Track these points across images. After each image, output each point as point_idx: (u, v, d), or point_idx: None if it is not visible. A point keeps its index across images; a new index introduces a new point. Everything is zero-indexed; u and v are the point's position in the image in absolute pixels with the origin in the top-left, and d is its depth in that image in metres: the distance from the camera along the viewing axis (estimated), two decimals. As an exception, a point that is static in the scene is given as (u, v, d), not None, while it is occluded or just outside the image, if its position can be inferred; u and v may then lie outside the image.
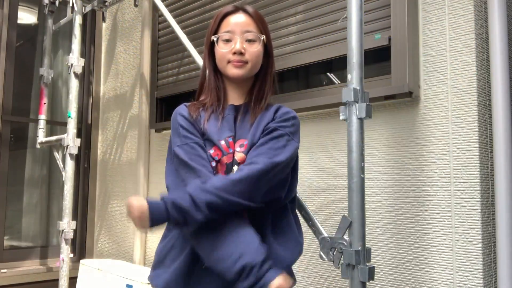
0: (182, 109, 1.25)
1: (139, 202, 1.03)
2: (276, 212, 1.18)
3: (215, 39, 1.23)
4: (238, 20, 1.22)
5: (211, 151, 1.17)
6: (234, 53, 1.19)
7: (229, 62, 1.20)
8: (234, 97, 1.26)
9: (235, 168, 1.15)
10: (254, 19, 1.23)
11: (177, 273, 1.15)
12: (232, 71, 1.20)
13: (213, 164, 1.16)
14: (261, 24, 1.24)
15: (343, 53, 1.80)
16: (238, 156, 1.16)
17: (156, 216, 1.04)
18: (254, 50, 1.21)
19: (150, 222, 1.03)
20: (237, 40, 1.19)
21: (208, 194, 1.04)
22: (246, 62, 1.20)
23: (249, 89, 1.27)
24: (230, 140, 1.18)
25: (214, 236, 1.07)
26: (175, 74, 2.64)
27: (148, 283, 1.25)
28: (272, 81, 1.29)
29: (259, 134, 1.18)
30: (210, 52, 1.26)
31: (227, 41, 1.21)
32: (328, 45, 1.91)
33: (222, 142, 1.17)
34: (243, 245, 1.05)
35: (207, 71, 1.27)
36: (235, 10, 1.24)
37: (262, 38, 1.23)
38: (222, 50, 1.21)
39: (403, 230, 1.65)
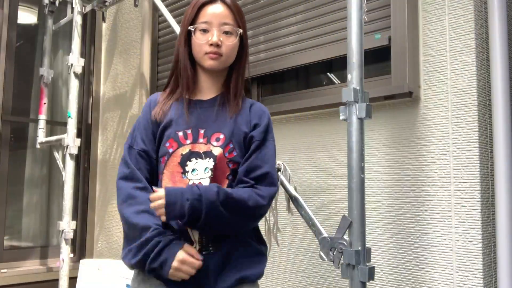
0: (153, 99, 1.29)
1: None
2: None
3: (192, 29, 1.23)
4: (216, 10, 1.22)
5: (167, 144, 1.20)
6: (211, 44, 1.20)
7: (206, 53, 1.21)
8: (207, 88, 1.27)
9: (195, 160, 1.18)
10: (232, 10, 1.23)
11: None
12: (208, 62, 1.22)
13: (165, 158, 1.19)
14: (238, 16, 1.24)
15: (343, 53, 1.80)
16: (216, 151, 1.18)
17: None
18: (230, 43, 1.22)
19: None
20: (214, 32, 1.20)
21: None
22: (221, 55, 1.21)
23: (224, 81, 1.29)
24: (189, 131, 1.20)
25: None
26: (175, 74, 2.64)
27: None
28: (244, 73, 1.31)
29: (241, 132, 1.21)
30: (186, 41, 1.26)
31: (204, 31, 1.22)
32: (328, 45, 1.91)
33: (180, 134, 1.20)
34: None
35: (181, 59, 1.27)
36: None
37: (240, 32, 1.24)
38: (199, 41, 1.22)
39: (403, 230, 1.65)
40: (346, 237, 1.29)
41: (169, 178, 1.19)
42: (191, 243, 1.16)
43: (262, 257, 1.24)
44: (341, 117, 1.34)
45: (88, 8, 2.78)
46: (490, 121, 1.57)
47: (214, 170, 1.17)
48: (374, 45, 1.74)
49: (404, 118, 1.68)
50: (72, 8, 2.71)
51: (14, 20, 2.90)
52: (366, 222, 1.32)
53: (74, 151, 2.55)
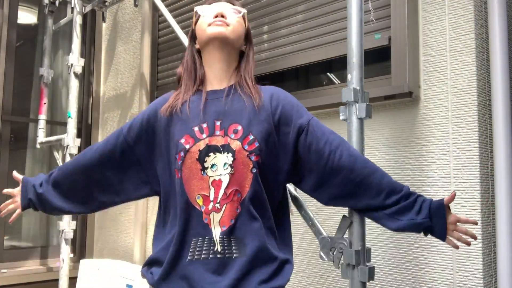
0: (166, 96, 1.28)
1: None
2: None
3: (198, 10, 1.22)
4: (221, 1, 1.23)
5: (182, 140, 1.14)
6: (216, 16, 1.17)
7: (209, 25, 1.17)
8: (215, 81, 1.21)
9: (213, 154, 1.12)
10: (236, 3, 1.24)
11: (165, 267, 1.14)
12: (214, 30, 1.16)
13: (182, 154, 1.13)
14: (240, 5, 1.25)
15: (343, 53, 1.80)
16: (235, 145, 1.12)
17: None
18: (236, 17, 1.20)
19: None
20: (219, 6, 1.20)
21: None
22: (227, 25, 1.17)
23: (234, 70, 1.23)
24: (205, 125, 1.15)
25: None
26: (175, 74, 2.64)
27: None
28: (254, 59, 1.28)
29: (263, 128, 1.15)
30: (192, 36, 1.26)
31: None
32: (328, 45, 1.91)
33: (196, 128, 1.15)
34: None
35: (188, 53, 1.25)
36: None
37: (243, 11, 1.22)
38: (202, 17, 1.20)
39: (403, 230, 1.65)
40: (346, 237, 1.29)
41: (187, 176, 1.13)
42: (213, 243, 1.12)
43: (288, 265, 1.20)
44: (341, 117, 1.34)
45: (88, 8, 2.78)
46: (490, 121, 1.57)
47: (234, 165, 1.11)
48: (374, 45, 1.74)
49: (404, 118, 1.68)
50: (72, 8, 2.71)
51: (14, 20, 2.90)
52: (366, 222, 1.32)
53: (74, 151, 2.55)
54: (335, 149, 1.16)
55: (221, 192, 1.11)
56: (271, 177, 1.17)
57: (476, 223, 1.16)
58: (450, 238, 1.15)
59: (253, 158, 1.12)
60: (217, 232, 1.11)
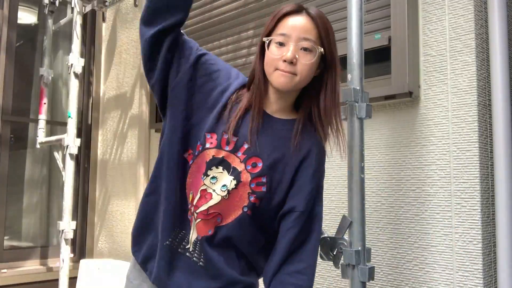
0: (240, 79, 1.17)
1: None
2: None
3: (266, 41, 1.08)
4: (297, 23, 1.06)
5: (208, 136, 1.10)
6: (284, 60, 1.05)
7: (276, 69, 1.06)
8: (272, 108, 1.14)
9: (220, 169, 1.08)
10: (316, 24, 1.07)
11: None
12: (278, 80, 1.06)
13: (200, 148, 1.10)
14: (323, 32, 1.08)
15: (343, 53, 1.80)
16: (244, 177, 1.08)
17: None
18: (307, 62, 1.06)
19: None
20: (291, 47, 1.05)
21: None
22: (295, 74, 1.06)
23: (292, 104, 1.15)
24: (234, 139, 1.09)
25: None
26: (175, 74, 2.64)
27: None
28: (336, 101, 1.12)
29: (289, 175, 1.10)
30: (261, 52, 1.11)
31: (281, 44, 1.06)
32: (328, 45, 1.91)
33: (225, 136, 1.09)
34: None
35: (256, 71, 1.13)
36: (297, 10, 1.08)
37: (320, 50, 1.07)
38: (272, 55, 1.06)
39: (403, 230, 1.65)
40: (346, 237, 1.29)
41: (194, 169, 1.11)
42: (187, 238, 1.11)
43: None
44: (341, 117, 1.34)
45: (88, 8, 2.78)
46: (490, 121, 1.57)
47: (232, 193, 1.07)
48: (374, 45, 1.74)
49: (404, 118, 1.68)
50: (72, 8, 2.70)
51: (14, 20, 2.90)
52: (366, 222, 1.32)
53: (74, 151, 2.55)
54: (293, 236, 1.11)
55: (205, 206, 1.09)
56: (266, 221, 1.13)
57: None
58: None
59: (252, 199, 1.09)
60: (193, 235, 1.11)
